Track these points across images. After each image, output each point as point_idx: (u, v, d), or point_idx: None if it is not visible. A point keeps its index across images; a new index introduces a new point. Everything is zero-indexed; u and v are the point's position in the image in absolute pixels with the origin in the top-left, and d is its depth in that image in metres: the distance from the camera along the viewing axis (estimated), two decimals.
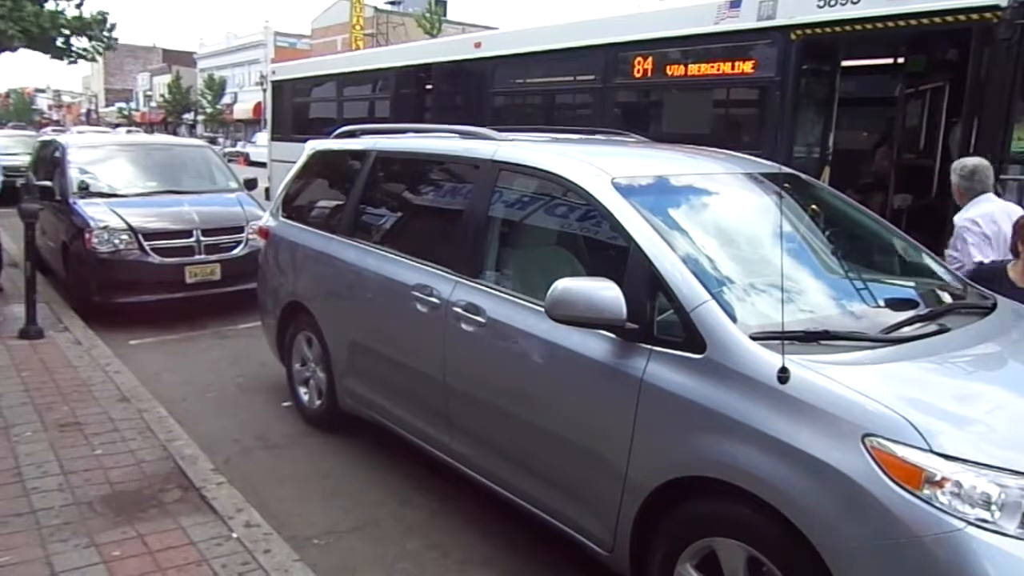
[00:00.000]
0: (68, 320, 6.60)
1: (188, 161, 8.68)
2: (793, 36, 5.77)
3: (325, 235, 4.54)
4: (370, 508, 3.76)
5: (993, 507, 1.94)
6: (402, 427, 3.94)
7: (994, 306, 3.09)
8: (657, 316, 2.64)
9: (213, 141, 41.43)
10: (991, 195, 4.26)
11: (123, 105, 72.45)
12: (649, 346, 2.61)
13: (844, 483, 2.06)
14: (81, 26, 18.12)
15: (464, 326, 3.33)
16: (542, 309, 2.77)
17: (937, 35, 5.77)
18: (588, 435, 2.80)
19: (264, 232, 5.29)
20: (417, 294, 3.61)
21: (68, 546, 3.08)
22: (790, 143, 5.92)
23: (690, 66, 6.64)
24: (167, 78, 63.19)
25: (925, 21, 5.11)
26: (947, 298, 3.19)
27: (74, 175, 7.68)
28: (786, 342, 2.31)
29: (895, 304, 2.97)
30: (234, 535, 3.21)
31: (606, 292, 2.60)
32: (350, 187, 4.55)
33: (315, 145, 5.18)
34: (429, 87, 9.77)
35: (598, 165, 3.17)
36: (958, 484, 1.96)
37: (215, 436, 4.53)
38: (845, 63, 6.38)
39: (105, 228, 6.89)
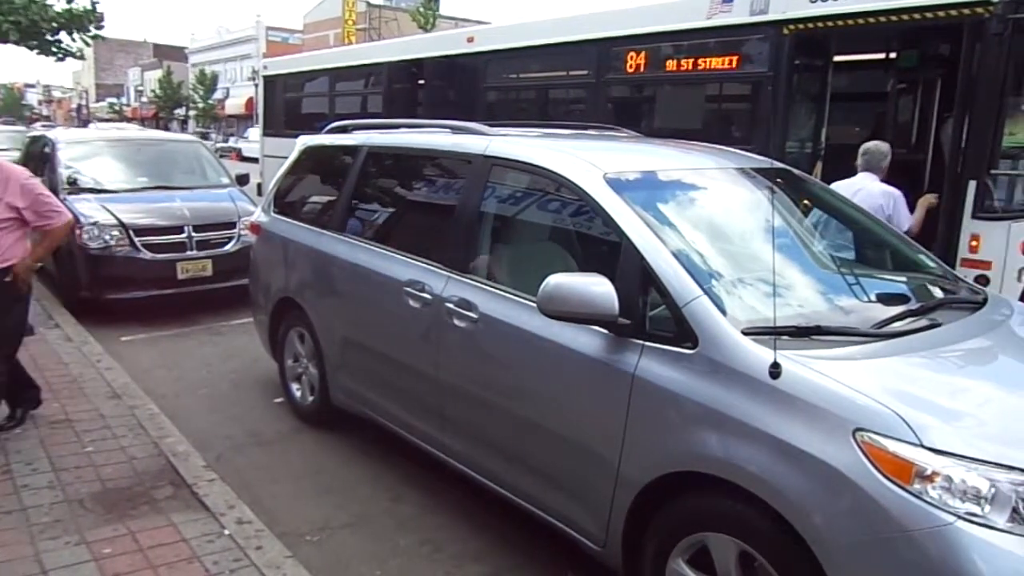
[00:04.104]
0: (59, 317, 6.57)
1: (179, 157, 8.62)
2: (785, 31, 5.76)
3: (317, 231, 4.52)
4: (363, 504, 3.75)
5: (983, 501, 1.95)
6: (395, 423, 3.93)
7: (985, 301, 3.10)
8: (649, 311, 2.64)
9: (205, 136, 41.23)
10: (866, 173, 5.03)
11: (114, 100, 71.99)
12: (641, 341, 2.61)
13: (835, 478, 2.07)
14: (71, 19, 17.92)
15: (456, 322, 3.32)
16: (534, 305, 2.77)
17: (929, 30, 5.77)
18: (580, 430, 2.80)
19: (256, 228, 5.27)
20: (409, 290, 3.60)
21: (58, 543, 3.07)
22: (783, 138, 5.93)
23: (683, 61, 6.63)
24: (158, 73, 62.75)
25: (917, 16, 5.12)
26: (938, 293, 3.20)
27: (64, 171, 7.63)
28: (778, 337, 2.31)
29: (886, 299, 2.98)
30: (226, 532, 3.20)
31: (598, 287, 2.59)
32: (342, 183, 4.54)
33: (307, 141, 5.15)
34: (421, 82, 9.74)
35: (590, 160, 3.16)
36: (948, 478, 1.97)
37: (207, 433, 4.52)
38: (837, 58, 6.38)
39: (95, 224, 6.85)
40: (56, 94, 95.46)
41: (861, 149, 5.17)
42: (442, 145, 4.00)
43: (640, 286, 2.66)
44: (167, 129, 50.55)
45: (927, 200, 5.14)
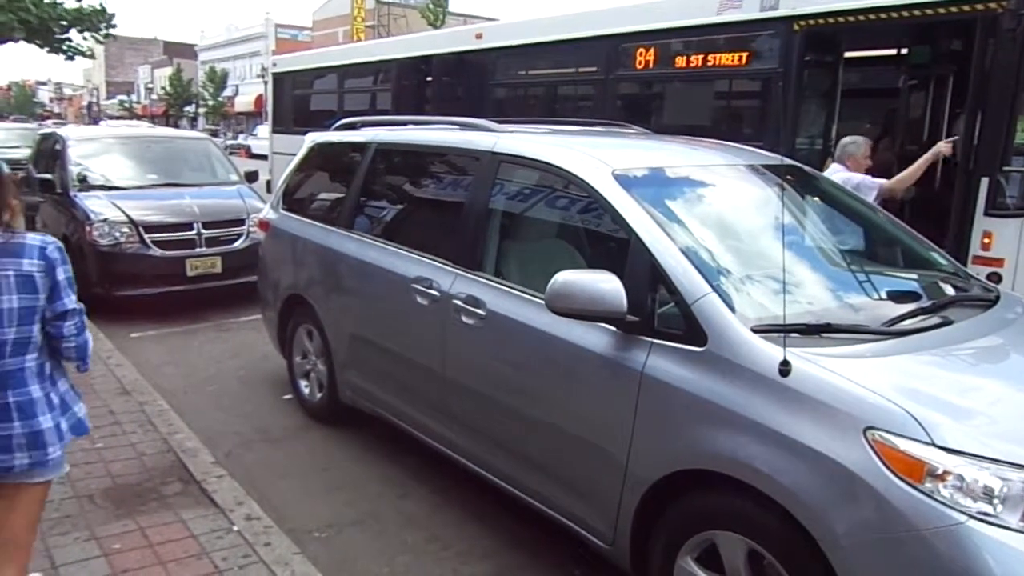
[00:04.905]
0: None
1: (189, 154, 8.66)
2: (796, 27, 5.73)
3: (325, 228, 4.53)
4: (371, 501, 3.76)
5: (995, 501, 1.93)
6: (403, 420, 3.93)
7: (997, 298, 3.07)
8: (658, 309, 2.63)
9: (215, 134, 41.40)
10: (834, 165, 5.31)
11: (124, 98, 72.30)
12: (650, 339, 2.60)
13: (846, 476, 2.05)
14: (80, 17, 18.03)
15: (464, 319, 3.32)
16: (542, 302, 2.76)
17: (941, 26, 5.73)
18: (589, 428, 2.79)
19: (265, 225, 5.28)
20: (417, 287, 3.60)
21: (69, 539, 3.08)
22: (793, 135, 5.90)
23: (692, 57, 6.61)
24: (168, 70, 63.09)
25: (929, 11, 5.07)
26: (950, 290, 3.18)
27: (74, 168, 7.66)
28: (788, 335, 2.30)
29: (897, 296, 2.95)
30: (235, 528, 3.21)
31: (606, 284, 2.58)
32: (350, 179, 4.54)
33: (315, 137, 5.16)
34: (430, 79, 9.73)
35: (599, 157, 3.15)
36: (960, 477, 1.95)
37: (216, 429, 4.54)
38: (848, 54, 6.34)
39: (105, 221, 6.88)
40: (67, 92, 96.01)
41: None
42: (450, 142, 4.00)
43: (649, 283, 2.64)
44: (177, 126, 50.78)
45: (936, 151, 5.15)
